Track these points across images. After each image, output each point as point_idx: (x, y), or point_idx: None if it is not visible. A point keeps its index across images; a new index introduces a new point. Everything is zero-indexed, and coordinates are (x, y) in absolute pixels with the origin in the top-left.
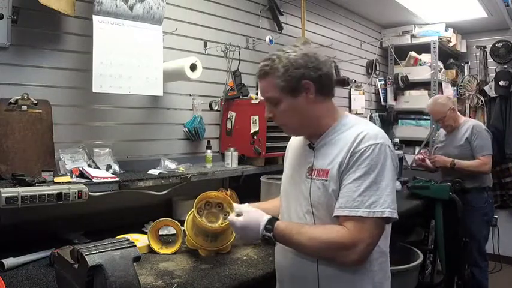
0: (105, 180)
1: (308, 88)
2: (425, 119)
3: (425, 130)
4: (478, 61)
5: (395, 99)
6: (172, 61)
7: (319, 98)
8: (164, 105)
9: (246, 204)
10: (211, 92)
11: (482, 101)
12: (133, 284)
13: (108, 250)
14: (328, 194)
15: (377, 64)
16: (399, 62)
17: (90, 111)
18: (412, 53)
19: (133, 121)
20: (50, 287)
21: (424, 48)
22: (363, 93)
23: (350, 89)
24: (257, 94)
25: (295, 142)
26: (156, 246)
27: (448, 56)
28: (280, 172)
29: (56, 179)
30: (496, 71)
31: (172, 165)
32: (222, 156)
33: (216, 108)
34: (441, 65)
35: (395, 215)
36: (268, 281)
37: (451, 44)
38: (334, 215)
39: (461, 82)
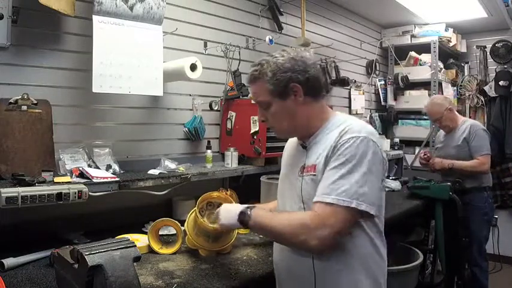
0: (105, 180)
1: (296, 91)
2: (425, 119)
3: (425, 130)
4: (478, 61)
5: (395, 99)
6: (172, 61)
7: (308, 99)
8: (164, 105)
9: None
10: (211, 92)
11: (482, 101)
12: (133, 284)
13: (108, 250)
14: (316, 187)
15: (377, 64)
16: (399, 62)
17: (90, 111)
18: (412, 53)
19: (133, 121)
20: (50, 287)
21: (424, 48)
22: (363, 93)
23: (350, 89)
24: None
25: (291, 143)
26: (156, 246)
27: (448, 56)
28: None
29: (56, 179)
30: (496, 71)
31: (172, 165)
32: (222, 156)
33: (216, 108)
34: (441, 65)
35: (363, 207)
36: (268, 281)
37: (451, 44)
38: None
39: (461, 82)
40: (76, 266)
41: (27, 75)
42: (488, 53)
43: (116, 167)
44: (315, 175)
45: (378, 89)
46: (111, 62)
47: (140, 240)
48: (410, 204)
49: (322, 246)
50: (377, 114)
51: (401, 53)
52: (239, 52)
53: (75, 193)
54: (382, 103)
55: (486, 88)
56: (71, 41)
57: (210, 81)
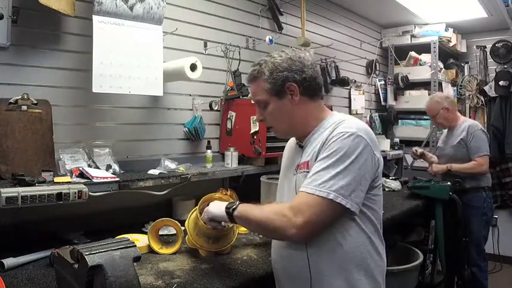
0: (105, 180)
1: (293, 90)
2: (425, 119)
3: (425, 130)
4: (478, 61)
5: (395, 99)
6: (172, 61)
7: (304, 99)
8: (164, 105)
9: None
10: (211, 92)
11: (482, 101)
12: (134, 284)
13: (108, 250)
14: None
15: (377, 64)
16: (399, 62)
17: (90, 111)
18: (412, 53)
19: (133, 121)
20: (50, 287)
21: (424, 48)
22: (363, 93)
23: (350, 89)
24: None
25: (290, 143)
26: (156, 246)
27: (448, 56)
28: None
29: (56, 179)
30: (496, 71)
31: (172, 165)
32: (222, 156)
33: (216, 108)
34: (441, 65)
35: (339, 200)
36: (268, 281)
37: (451, 44)
38: None
39: (461, 82)
40: (76, 266)
41: (27, 75)
42: (488, 53)
43: (116, 167)
44: (308, 171)
45: (377, 89)
46: (111, 62)
47: (140, 240)
48: (410, 204)
49: (299, 236)
50: (377, 114)
51: (401, 53)
52: (239, 52)
53: (75, 193)
54: (382, 103)
55: (486, 88)
56: (71, 41)
57: (210, 81)
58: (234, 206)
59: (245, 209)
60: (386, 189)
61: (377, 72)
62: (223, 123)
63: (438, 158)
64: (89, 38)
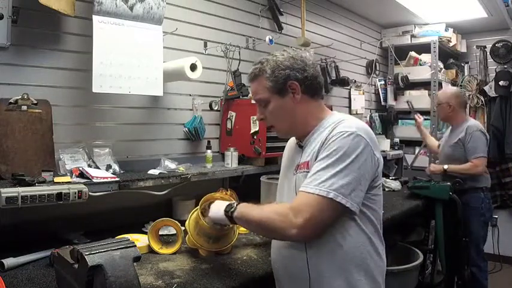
0: (105, 180)
1: (294, 89)
2: (425, 119)
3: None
4: (478, 61)
5: (396, 99)
6: (172, 61)
7: (306, 98)
8: (164, 105)
9: None
10: (211, 92)
11: (482, 101)
12: (134, 284)
13: (108, 250)
14: None
15: (377, 64)
16: (399, 62)
17: (90, 111)
18: (412, 53)
19: (133, 121)
20: (50, 287)
21: (424, 48)
22: (363, 93)
23: (350, 89)
24: None
25: (290, 143)
26: (156, 246)
27: (448, 56)
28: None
29: (56, 179)
30: (496, 71)
31: (172, 165)
32: (222, 156)
33: (216, 108)
34: (441, 65)
35: (339, 199)
36: (268, 281)
37: (451, 44)
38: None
39: (461, 82)
40: (76, 266)
41: (27, 75)
42: (488, 53)
43: (116, 167)
44: (308, 171)
45: (378, 89)
46: (111, 62)
47: (140, 240)
48: (410, 204)
49: (300, 236)
50: (377, 114)
51: (401, 53)
52: (239, 52)
53: (75, 193)
54: (382, 103)
55: (486, 88)
56: (71, 41)
57: (210, 81)
58: (233, 209)
59: (244, 210)
60: (386, 189)
61: (377, 72)
62: (223, 123)
63: (438, 156)
64: (89, 38)
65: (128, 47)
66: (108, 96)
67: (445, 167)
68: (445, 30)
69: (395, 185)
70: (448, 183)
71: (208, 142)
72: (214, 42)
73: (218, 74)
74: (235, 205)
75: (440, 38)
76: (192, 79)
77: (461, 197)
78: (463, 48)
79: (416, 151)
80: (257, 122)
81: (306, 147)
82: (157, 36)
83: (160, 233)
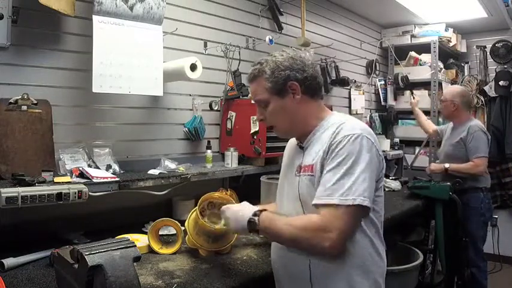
0: (105, 180)
1: (294, 89)
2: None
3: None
4: (478, 61)
5: (395, 99)
6: (172, 61)
7: (305, 98)
8: (164, 105)
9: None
10: (211, 92)
11: (482, 101)
12: (134, 284)
13: (108, 250)
14: (314, 188)
15: (377, 64)
16: (399, 62)
17: (90, 111)
18: (412, 53)
19: (133, 121)
20: (50, 287)
21: (424, 48)
22: (363, 93)
23: (350, 89)
24: None
25: (290, 144)
26: (156, 246)
27: (448, 56)
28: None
29: (56, 179)
30: (496, 71)
31: (172, 165)
32: (222, 156)
33: (216, 108)
34: (441, 65)
35: (367, 203)
36: (268, 281)
37: (451, 44)
38: (312, 203)
39: (461, 82)
40: (76, 266)
41: (27, 75)
42: (488, 53)
43: (116, 167)
44: (312, 175)
45: (378, 89)
46: (111, 62)
47: (140, 240)
48: (410, 204)
49: (334, 249)
50: (377, 114)
51: (401, 53)
52: (239, 52)
53: (75, 193)
54: (382, 103)
55: (486, 88)
56: (71, 41)
57: (210, 81)
58: (256, 227)
59: (268, 225)
60: (387, 189)
61: (377, 72)
62: (223, 123)
63: (438, 155)
64: (89, 38)
65: (127, 47)
66: (108, 96)
67: (447, 165)
68: (445, 30)
69: (395, 185)
70: (448, 183)
71: (208, 142)
72: (214, 42)
73: (218, 74)
74: (256, 220)
75: (440, 38)
76: (192, 79)
77: (461, 197)
78: (463, 48)
79: (416, 151)
80: (257, 122)
81: (308, 148)
82: (157, 36)
83: (160, 233)
